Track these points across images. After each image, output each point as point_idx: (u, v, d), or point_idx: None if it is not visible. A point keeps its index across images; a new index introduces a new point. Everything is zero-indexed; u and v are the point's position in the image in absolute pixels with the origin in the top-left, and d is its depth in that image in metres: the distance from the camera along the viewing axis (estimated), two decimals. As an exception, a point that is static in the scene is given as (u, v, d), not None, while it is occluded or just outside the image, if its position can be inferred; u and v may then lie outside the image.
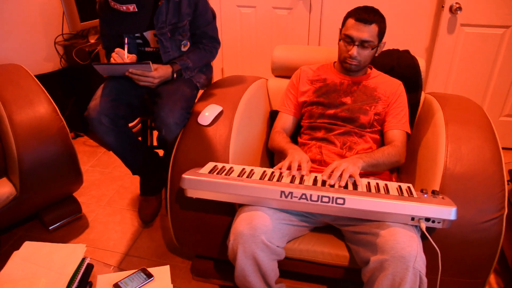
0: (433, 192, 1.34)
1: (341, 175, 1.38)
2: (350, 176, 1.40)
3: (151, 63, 1.71)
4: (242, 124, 1.70)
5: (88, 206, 2.33)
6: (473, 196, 1.37)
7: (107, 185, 2.51)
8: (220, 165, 1.49)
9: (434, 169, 1.47)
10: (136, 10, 1.65)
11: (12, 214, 1.93)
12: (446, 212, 1.24)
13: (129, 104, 1.86)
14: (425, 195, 1.32)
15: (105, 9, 1.76)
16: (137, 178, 2.56)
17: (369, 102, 1.68)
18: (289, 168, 1.45)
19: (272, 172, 1.43)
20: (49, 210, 2.12)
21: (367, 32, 1.55)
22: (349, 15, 1.61)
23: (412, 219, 1.27)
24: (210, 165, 1.48)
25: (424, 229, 1.25)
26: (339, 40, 1.65)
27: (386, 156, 1.56)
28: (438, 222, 1.25)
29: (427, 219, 1.25)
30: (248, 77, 2.00)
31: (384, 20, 1.61)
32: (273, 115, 1.96)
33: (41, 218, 2.15)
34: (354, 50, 1.59)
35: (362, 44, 1.58)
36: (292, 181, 1.37)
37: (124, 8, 1.64)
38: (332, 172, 1.40)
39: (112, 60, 1.76)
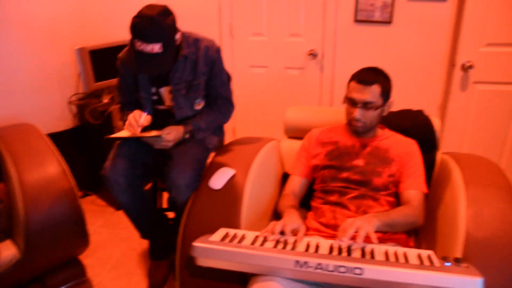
0: (456, 260, 1.28)
1: (354, 237, 1.34)
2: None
3: (163, 134, 1.74)
4: (254, 188, 1.69)
5: (93, 269, 2.28)
6: (500, 263, 1.31)
7: (113, 247, 2.48)
8: (232, 231, 1.46)
9: (455, 234, 1.41)
10: (161, 51, 1.67)
11: (15, 277, 1.89)
12: (472, 283, 1.17)
13: (144, 164, 1.88)
14: (448, 264, 1.26)
15: (126, 60, 1.80)
16: (145, 240, 2.51)
17: (382, 164, 1.66)
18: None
19: (284, 241, 1.39)
20: (52, 274, 2.07)
21: (368, 93, 1.57)
22: (352, 78, 1.64)
23: (435, 291, 1.21)
24: (222, 232, 1.46)
25: (448, 303, 1.19)
26: (344, 102, 1.67)
27: (402, 216, 1.52)
28: (464, 295, 1.19)
29: (451, 291, 1.20)
30: (260, 139, 2.01)
31: (388, 79, 1.63)
32: (285, 177, 1.94)
33: (42, 282, 2.08)
34: (357, 113, 1.60)
35: (365, 105, 1.59)
36: (284, 247, 1.34)
37: (150, 48, 1.66)
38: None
39: (126, 123, 1.78)
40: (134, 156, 1.85)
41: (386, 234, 1.56)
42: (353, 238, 1.36)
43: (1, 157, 2.00)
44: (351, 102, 1.62)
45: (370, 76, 1.58)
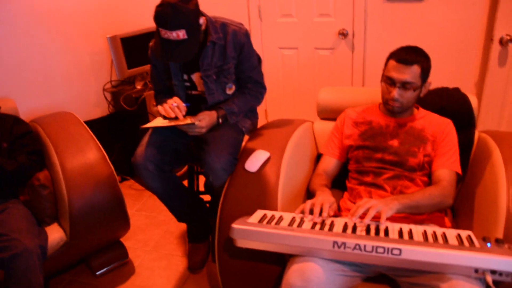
0: (497, 240, 1.26)
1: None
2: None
3: (196, 121, 1.76)
4: (290, 170, 1.70)
5: (134, 251, 2.36)
6: (542, 243, 1.28)
7: (152, 230, 2.55)
8: (269, 213, 1.48)
9: (495, 214, 1.39)
10: (186, 37, 1.68)
11: (62, 259, 1.99)
12: (513, 264, 1.16)
13: (175, 150, 1.90)
14: (488, 244, 1.24)
15: (155, 50, 1.80)
16: (182, 223, 2.57)
17: (417, 143, 1.64)
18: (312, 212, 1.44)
19: (314, 224, 1.40)
20: (96, 255, 2.16)
21: (408, 73, 1.54)
22: (390, 56, 1.61)
23: (476, 271, 1.19)
24: (259, 213, 1.48)
25: (491, 283, 1.17)
26: (381, 81, 1.65)
27: (427, 198, 1.48)
28: (507, 276, 1.17)
29: (493, 272, 1.18)
30: (293, 121, 2.01)
31: (428, 59, 1.59)
32: (319, 158, 1.93)
33: (88, 263, 2.19)
34: (396, 92, 1.58)
35: (404, 85, 1.57)
36: (321, 228, 1.35)
37: (174, 35, 1.66)
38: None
39: (161, 109, 1.79)
40: (163, 142, 1.87)
41: (423, 215, 1.55)
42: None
43: (44, 145, 2.07)
44: (389, 81, 1.59)
45: (411, 56, 1.55)
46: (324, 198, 1.49)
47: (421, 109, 1.74)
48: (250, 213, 1.52)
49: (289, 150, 1.76)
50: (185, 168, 2.99)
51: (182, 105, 1.78)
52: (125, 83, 3.02)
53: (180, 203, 2.02)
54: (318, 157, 1.97)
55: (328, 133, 1.90)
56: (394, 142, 1.66)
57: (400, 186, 1.62)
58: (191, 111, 1.91)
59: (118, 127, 3.07)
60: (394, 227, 1.36)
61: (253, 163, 1.68)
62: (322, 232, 1.32)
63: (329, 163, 1.79)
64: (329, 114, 2.02)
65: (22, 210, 1.86)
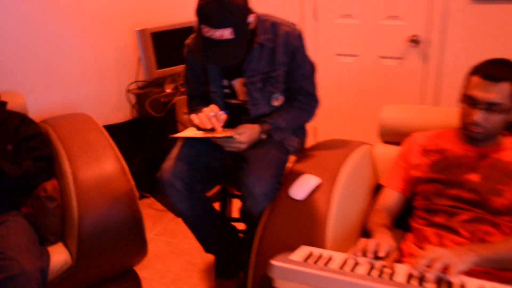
0: None
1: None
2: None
3: (235, 135, 1.75)
4: (343, 201, 1.69)
5: (150, 283, 2.36)
6: None
7: (173, 259, 2.55)
8: (316, 251, 1.46)
9: None
10: (233, 36, 1.68)
11: (65, 286, 1.97)
12: None
13: (208, 168, 1.91)
14: None
15: (193, 49, 1.84)
16: (209, 254, 2.55)
17: (504, 180, 1.58)
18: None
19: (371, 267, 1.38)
20: (104, 285, 2.15)
21: (496, 92, 1.50)
22: (474, 71, 1.58)
23: None
24: (305, 250, 1.47)
25: None
26: (461, 101, 1.62)
27: None
28: None
29: None
30: (349, 142, 1.99)
31: None
32: (379, 189, 1.90)
33: (95, 294, 2.21)
34: (479, 115, 1.54)
35: (489, 107, 1.53)
36: (380, 275, 1.32)
37: (219, 34, 1.67)
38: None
39: (194, 118, 1.80)
40: (196, 157, 1.88)
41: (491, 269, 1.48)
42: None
43: (55, 150, 2.09)
44: (471, 101, 1.56)
45: (499, 71, 1.51)
46: (384, 240, 1.47)
47: (510, 137, 1.69)
48: (293, 248, 1.50)
49: (343, 177, 1.74)
50: (217, 188, 2.99)
51: (221, 115, 1.79)
52: (153, 85, 3.07)
53: (210, 230, 2.02)
54: (378, 188, 1.93)
55: (390, 160, 1.87)
56: (474, 177, 1.61)
57: (480, 231, 1.56)
58: (230, 123, 1.91)
59: (141, 136, 3.11)
60: (472, 284, 1.30)
61: (300, 190, 1.67)
62: (381, 280, 1.29)
63: (391, 198, 1.76)
64: (393, 137, 1.99)
65: (23, 224, 1.88)
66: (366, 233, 1.80)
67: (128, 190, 2.00)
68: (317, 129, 3.30)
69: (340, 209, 1.66)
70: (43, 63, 2.68)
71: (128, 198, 1.99)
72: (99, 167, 2.00)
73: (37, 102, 2.66)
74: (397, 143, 1.97)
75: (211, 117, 1.77)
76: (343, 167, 1.78)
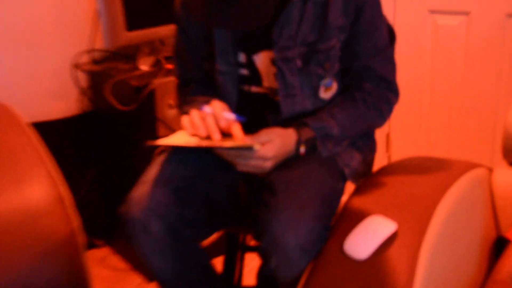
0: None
1: None
2: None
3: (256, 145, 1.40)
4: (438, 261, 1.42)
5: None
6: None
7: None
8: None
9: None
10: None
11: None
12: None
13: (207, 199, 1.56)
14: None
15: (189, 3, 1.54)
16: None
17: None
18: None
19: None
20: None
21: None
22: None
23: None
24: None
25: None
26: None
27: None
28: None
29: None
30: (451, 163, 1.63)
31: None
32: (502, 245, 1.54)
33: None
34: None
35: None
36: None
37: None
38: None
39: (185, 122, 1.45)
40: (187, 182, 1.52)
41: None
42: None
43: None
44: None
45: None
46: None
47: None
48: None
49: (438, 222, 1.40)
50: (219, 235, 2.52)
51: (230, 117, 1.45)
52: (118, 57, 2.47)
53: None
54: (501, 243, 1.56)
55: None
56: None
57: None
58: (247, 126, 1.50)
59: (95, 141, 2.56)
60: None
61: (361, 242, 1.36)
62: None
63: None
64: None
65: None
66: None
67: (67, 234, 1.59)
68: (391, 139, 2.68)
69: (431, 274, 1.33)
70: None
71: (67, 247, 1.60)
72: (19, 194, 1.61)
73: None
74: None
75: (207, 115, 1.40)
76: (439, 206, 1.41)
